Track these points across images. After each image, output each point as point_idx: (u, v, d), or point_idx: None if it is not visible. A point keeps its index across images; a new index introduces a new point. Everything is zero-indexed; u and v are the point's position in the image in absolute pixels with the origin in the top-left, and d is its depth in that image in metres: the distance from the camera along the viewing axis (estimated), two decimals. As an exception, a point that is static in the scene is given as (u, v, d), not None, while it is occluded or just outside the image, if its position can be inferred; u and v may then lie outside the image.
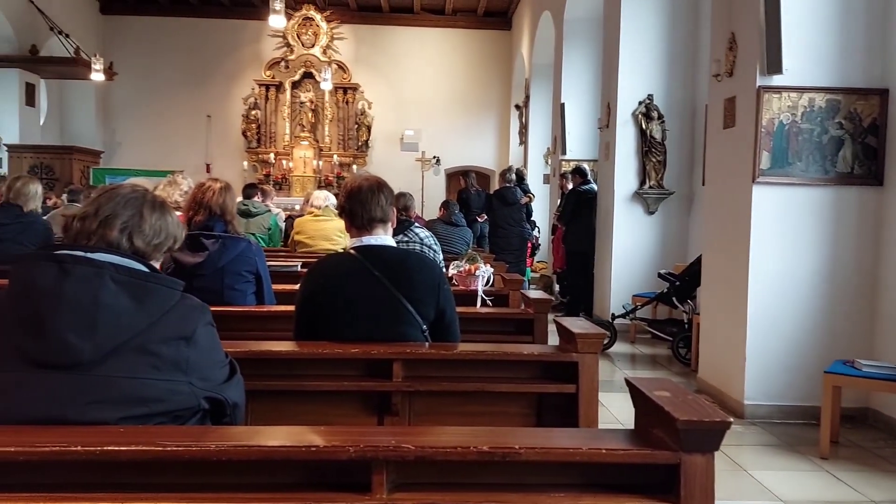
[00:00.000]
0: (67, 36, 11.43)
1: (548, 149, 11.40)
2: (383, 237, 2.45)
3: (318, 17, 14.82)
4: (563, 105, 9.90)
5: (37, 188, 4.64)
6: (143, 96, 14.65)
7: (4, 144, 11.45)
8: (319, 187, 13.69)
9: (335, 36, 15.03)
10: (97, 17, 14.46)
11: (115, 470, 1.36)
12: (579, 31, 9.98)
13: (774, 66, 4.55)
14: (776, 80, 4.66)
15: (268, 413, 2.20)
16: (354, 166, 14.99)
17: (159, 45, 14.67)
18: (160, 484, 1.36)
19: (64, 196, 8.08)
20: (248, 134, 14.83)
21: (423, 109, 15.30)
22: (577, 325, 2.25)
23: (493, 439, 1.30)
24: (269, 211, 7.35)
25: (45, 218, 5.23)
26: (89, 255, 1.52)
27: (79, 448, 1.29)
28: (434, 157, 15.27)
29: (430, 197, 14.38)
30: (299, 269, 4.86)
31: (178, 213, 2.00)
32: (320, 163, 14.77)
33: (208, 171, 14.26)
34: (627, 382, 1.46)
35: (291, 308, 3.17)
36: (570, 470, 1.37)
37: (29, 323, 1.45)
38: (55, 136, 13.62)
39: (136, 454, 1.29)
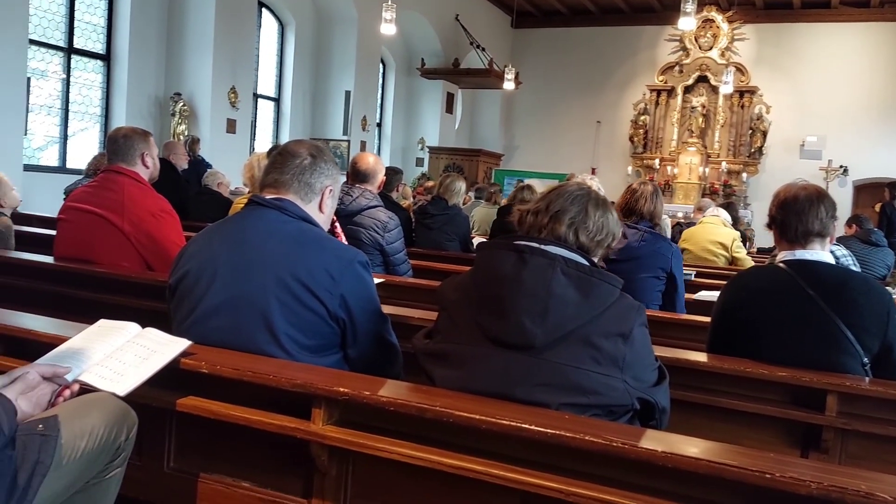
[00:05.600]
0: (484, 49, 12.75)
1: None
2: (820, 252, 2.20)
3: (719, 17, 14.18)
4: None
5: (461, 186, 5.25)
6: (541, 103, 15.64)
7: (427, 146, 13.29)
8: (704, 195, 13.15)
9: (736, 37, 14.23)
10: (509, 31, 15.83)
11: (552, 452, 1.44)
12: None
13: None
14: None
15: (677, 424, 2.13)
16: (744, 174, 14.07)
17: (560, 54, 15.50)
18: (597, 475, 1.40)
19: (471, 193, 8.97)
20: (635, 139, 14.89)
21: (829, 113, 13.64)
22: None
23: None
24: (657, 216, 7.24)
25: (464, 211, 5.88)
26: (543, 246, 1.63)
27: (532, 427, 1.39)
28: (841, 167, 13.52)
29: (835, 212, 12.76)
30: (693, 277, 4.69)
31: None
32: (706, 170, 14.16)
33: (593, 174, 14.64)
34: None
35: (693, 318, 3.06)
36: None
37: (491, 304, 1.61)
38: (466, 139, 15.36)
39: (583, 443, 1.35)
